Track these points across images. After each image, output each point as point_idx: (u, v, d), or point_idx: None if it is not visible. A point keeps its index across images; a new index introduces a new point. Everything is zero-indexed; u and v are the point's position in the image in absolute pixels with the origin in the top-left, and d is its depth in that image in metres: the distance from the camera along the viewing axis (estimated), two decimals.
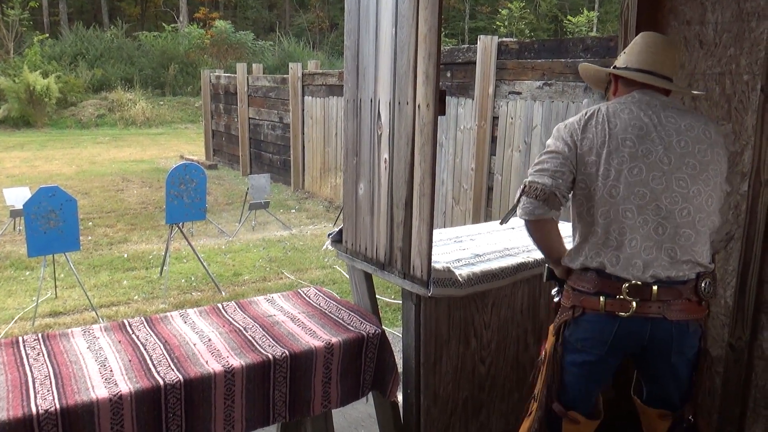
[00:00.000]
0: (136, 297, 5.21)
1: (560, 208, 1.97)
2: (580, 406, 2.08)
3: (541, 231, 2.03)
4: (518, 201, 1.98)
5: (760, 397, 2.52)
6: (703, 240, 1.94)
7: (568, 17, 23.83)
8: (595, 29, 23.44)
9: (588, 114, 1.99)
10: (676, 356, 1.97)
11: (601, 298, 1.93)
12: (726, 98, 2.54)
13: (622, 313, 1.91)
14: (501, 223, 2.40)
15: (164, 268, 5.63)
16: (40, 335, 2.26)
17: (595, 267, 1.95)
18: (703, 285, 1.93)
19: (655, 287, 1.89)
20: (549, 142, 2.04)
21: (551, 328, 2.11)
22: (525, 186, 1.97)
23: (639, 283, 1.90)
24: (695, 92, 2.32)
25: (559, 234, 2.07)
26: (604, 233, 1.94)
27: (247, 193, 7.48)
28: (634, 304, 1.90)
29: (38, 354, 2.12)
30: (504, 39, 6.12)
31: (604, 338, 1.95)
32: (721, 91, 2.56)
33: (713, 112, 2.58)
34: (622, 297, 1.91)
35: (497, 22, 24.80)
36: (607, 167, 1.92)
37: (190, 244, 5.64)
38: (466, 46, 6.46)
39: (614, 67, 2.09)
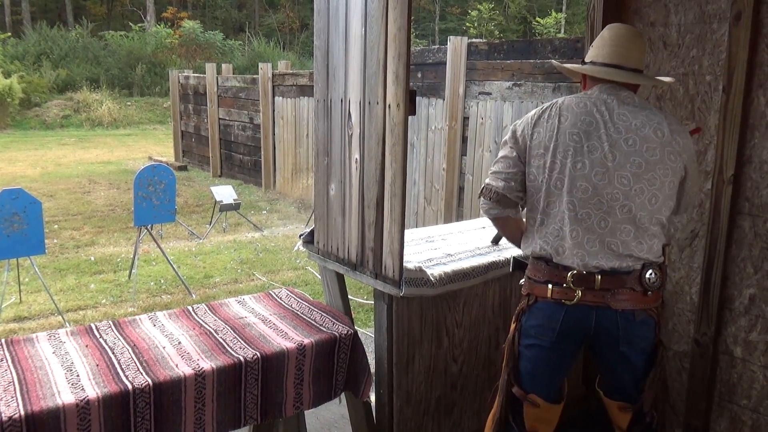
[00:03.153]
0: (104, 301, 5.12)
1: (517, 206, 2.14)
2: (538, 390, 2.12)
3: (501, 226, 2.26)
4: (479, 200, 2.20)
5: (724, 391, 2.58)
6: (646, 236, 1.96)
7: (537, 19, 24.10)
8: (562, 30, 23.76)
9: (544, 108, 2.07)
10: (625, 346, 2.00)
11: (549, 286, 2.00)
12: (689, 98, 2.60)
13: (567, 301, 1.97)
14: (492, 243, 2.69)
15: (133, 271, 5.54)
16: (3, 340, 2.21)
17: (544, 256, 2.03)
18: (647, 275, 1.96)
19: (598, 276, 1.95)
20: (505, 139, 2.14)
21: (514, 316, 2.19)
22: (482, 188, 2.16)
23: (584, 272, 1.95)
24: (663, 78, 2.29)
25: (519, 227, 2.20)
26: (549, 223, 2.02)
27: None
28: (579, 292, 1.95)
29: (1, 360, 2.07)
30: (474, 40, 6.17)
31: (553, 325, 2.01)
32: (684, 92, 2.61)
33: (677, 112, 2.64)
34: (566, 285, 1.97)
35: (467, 23, 24.97)
36: (553, 160, 1.99)
37: (159, 246, 5.56)
38: (436, 46, 6.50)
39: (582, 62, 2.12)
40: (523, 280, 2.16)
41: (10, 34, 23.21)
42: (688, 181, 2.05)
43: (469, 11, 26.17)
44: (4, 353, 2.12)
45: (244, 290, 5.37)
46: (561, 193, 1.98)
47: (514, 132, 2.11)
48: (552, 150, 1.99)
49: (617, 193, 1.93)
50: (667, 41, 2.66)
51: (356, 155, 2.39)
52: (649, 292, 1.97)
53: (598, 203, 1.95)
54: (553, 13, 24.50)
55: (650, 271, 1.96)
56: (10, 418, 1.74)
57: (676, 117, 2.63)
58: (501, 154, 2.14)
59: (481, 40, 6.39)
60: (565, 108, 2.01)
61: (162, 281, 5.59)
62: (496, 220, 2.21)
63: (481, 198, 2.16)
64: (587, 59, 2.11)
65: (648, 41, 2.72)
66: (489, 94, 5.73)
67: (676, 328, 2.71)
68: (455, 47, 5.90)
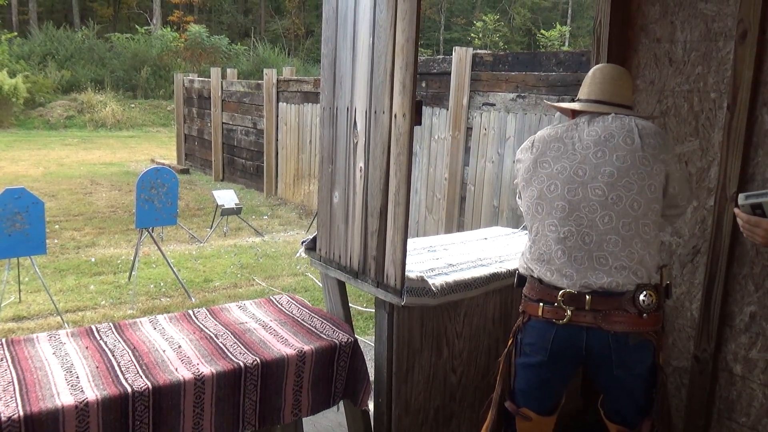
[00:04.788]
0: (103, 302, 5.12)
1: None
2: (531, 405, 2.13)
3: None
4: None
5: (723, 408, 2.57)
6: (636, 245, 1.95)
7: (542, 31, 24.22)
8: (567, 43, 23.85)
9: (524, 146, 2.19)
10: (619, 369, 1.97)
11: (541, 305, 2.03)
12: (694, 115, 2.61)
13: (558, 321, 1.99)
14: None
15: (133, 273, 5.54)
16: (3, 340, 2.21)
17: (536, 277, 2.07)
18: (641, 297, 1.93)
19: (588, 296, 1.95)
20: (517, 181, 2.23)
21: (512, 331, 2.22)
22: None
23: (574, 291, 1.96)
24: (651, 117, 2.45)
25: None
26: (536, 248, 2.08)
27: None
28: (569, 312, 1.96)
29: (1, 359, 2.07)
30: (479, 51, 6.19)
31: (545, 344, 2.04)
32: (689, 108, 2.62)
33: (681, 129, 2.64)
34: (557, 305, 1.99)
35: (472, 34, 25.08)
36: (531, 189, 2.09)
37: (160, 248, 5.56)
38: (441, 56, 6.52)
39: (571, 100, 2.24)
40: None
41: (16, 33, 23.28)
42: (672, 182, 2.03)
43: (474, 22, 26.29)
44: (5, 353, 2.12)
45: (243, 295, 5.36)
46: (542, 217, 2.05)
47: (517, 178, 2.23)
48: (530, 180, 2.10)
49: (594, 204, 1.96)
50: (672, 58, 2.67)
51: (361, 163, 2.40)
52: (645, 315, 1.94)
53: (577, 219, 1.98)
54: (558, 26, 24.62)
55: (645, 292, 1.94)
56: (9, 418, 1.74)
57: (675, 131, 2.64)
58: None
59: (486, 51, 6.41)
60: (538, 139, 2.14)
61: (162, 284, 5.58)
62: None
63: None
64: (577, 97, 2.21)
65: (653, 57, 2.73)
66: (493, 105, 5.74)
67: (676, 344, 2.71)
68: (460, 58, 5.93)
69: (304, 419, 2.45)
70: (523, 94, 5.46)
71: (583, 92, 2.18)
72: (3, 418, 1.73)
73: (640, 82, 2.78)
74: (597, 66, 2.21)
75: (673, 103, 2.67)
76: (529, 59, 5.67)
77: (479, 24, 25.15)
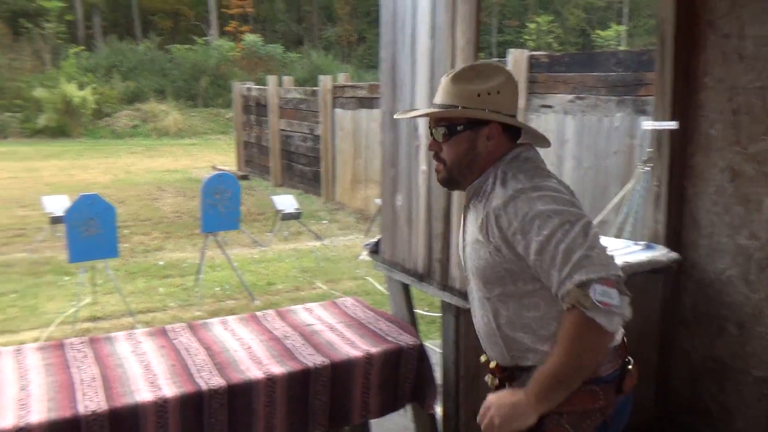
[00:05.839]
0: (172, 304, 5.30)
1: None
2: None
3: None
4: (614, 303, 1.39)
5: None
6: None
7: (597, 31, 23.71)
8: (624, 43, 23.28)
9: (551, 179, 1.62)
10: None
11: (630, 369, 1.62)
12: (767, 113, 2.52)
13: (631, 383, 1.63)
14: None
15: (199, 275, 5.72)
16: (86, 338, 2.33)
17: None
18: None
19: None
20: (570, 216, 1.47)
21: None
22: (611, 280, 1.40)
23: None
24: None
25: None
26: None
27: None
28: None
29: (84, 356, 2.18)
30: (534, 52, 6.13)
31: (617, 424, 1.65)
32: (762, 106, 2.54)
33: (754, 127, 2.56)
34: (631, 362, 1.62)
35: (525, 36, 24.80)
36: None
37: (225, 253, 5.72)
38: (495, 59, 6.48)
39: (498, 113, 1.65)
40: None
41: (83, 47, 24.35)
42: None
43: (527, 24, 25.97)
44: (87, 350, 2.23)
45: (305, 298, 5.46)
46: None
47: (573, 201, 1.54)
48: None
49: None
50: (742, 53, 2.59)
51: (423, 167, 2.42)
52: None
53: None
54: (614, 26, 24.06)
55: None
56: (94, 412, 1.83)
57: (747, 130, 2.56)
58: (583, 225, 1.46)
59: (542, 53, 6.34)
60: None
61: (227, 287, 5.74)
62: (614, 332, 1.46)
63: (615, 296, 1.39)
64: (504, 110, 1.66)
65: (722, 54, 2.66)
66: (550, 107, 5.68)
67: (756, 353, 2.61)
68: (516, 60, 5.88)
69: (371, 421, 2.48)
70: (581, 96, 5.38)
71: (507, 106, 1.68)
72: (89, 412, 1.83)
73: (709, 80, 2.71)
74: (509, 74, 1.72)
75: (745, 101, 2.59)
76: (586, 60, 5.58)
77: (532, 26, 24.84)
